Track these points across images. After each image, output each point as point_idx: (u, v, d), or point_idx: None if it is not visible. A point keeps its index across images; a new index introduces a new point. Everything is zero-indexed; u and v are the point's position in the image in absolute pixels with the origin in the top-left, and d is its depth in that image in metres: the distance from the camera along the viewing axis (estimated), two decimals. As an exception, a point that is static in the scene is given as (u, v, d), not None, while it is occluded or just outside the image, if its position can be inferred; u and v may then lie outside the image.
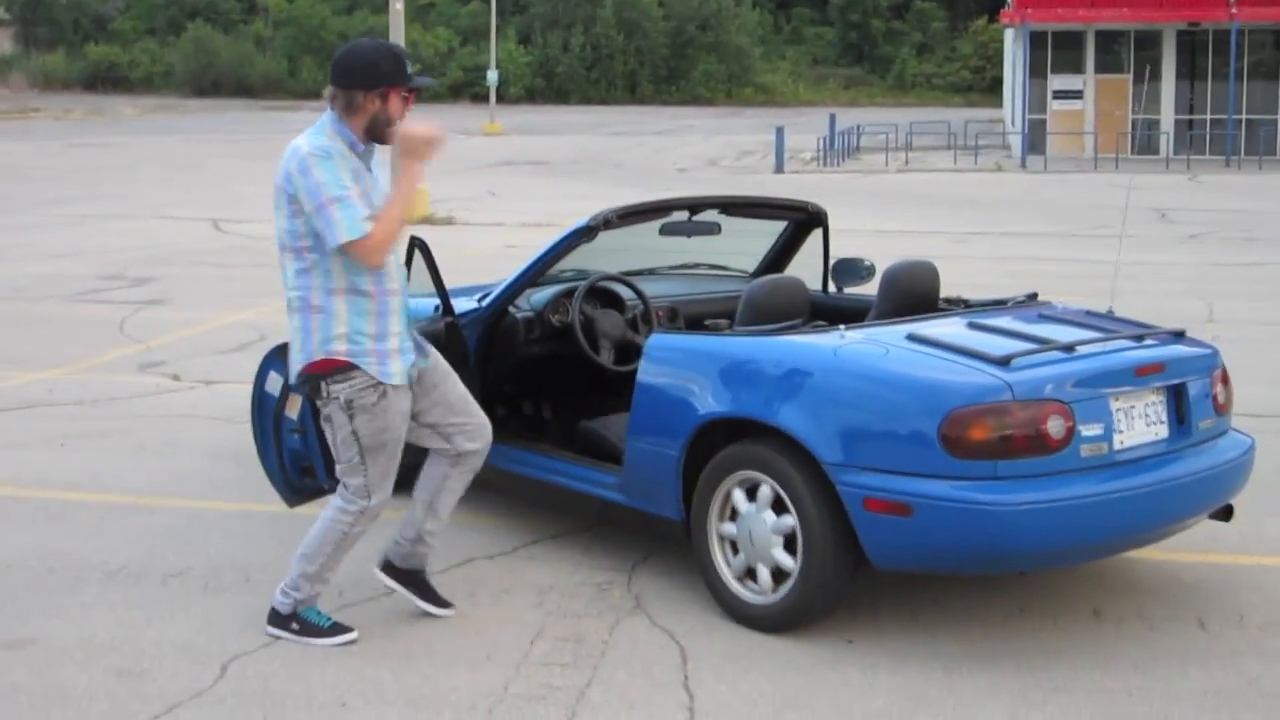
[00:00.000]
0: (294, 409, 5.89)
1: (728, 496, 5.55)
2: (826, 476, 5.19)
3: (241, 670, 5.11)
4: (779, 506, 5.37)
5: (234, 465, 7.84)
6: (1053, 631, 5.50)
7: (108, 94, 78.20)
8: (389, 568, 5.71)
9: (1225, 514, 5.84)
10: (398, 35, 24.08)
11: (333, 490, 5.58)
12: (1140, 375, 5.40)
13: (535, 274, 6.59)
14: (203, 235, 20.54)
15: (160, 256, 17.83)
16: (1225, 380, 5.84)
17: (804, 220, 7.44)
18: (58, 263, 17.24)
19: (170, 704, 4.83)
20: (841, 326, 5.71)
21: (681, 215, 6.89)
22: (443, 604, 5.66)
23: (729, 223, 7.17)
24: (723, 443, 5.60)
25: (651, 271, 7.45)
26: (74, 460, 8.05)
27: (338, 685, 4.97)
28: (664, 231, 6.86)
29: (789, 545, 5.35)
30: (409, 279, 5.75)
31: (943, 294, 6.52)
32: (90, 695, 4.90)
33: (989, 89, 77.12)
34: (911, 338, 5.47)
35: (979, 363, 5.19)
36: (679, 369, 5.80)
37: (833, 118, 43.73)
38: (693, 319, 7.00)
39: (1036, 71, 40.99)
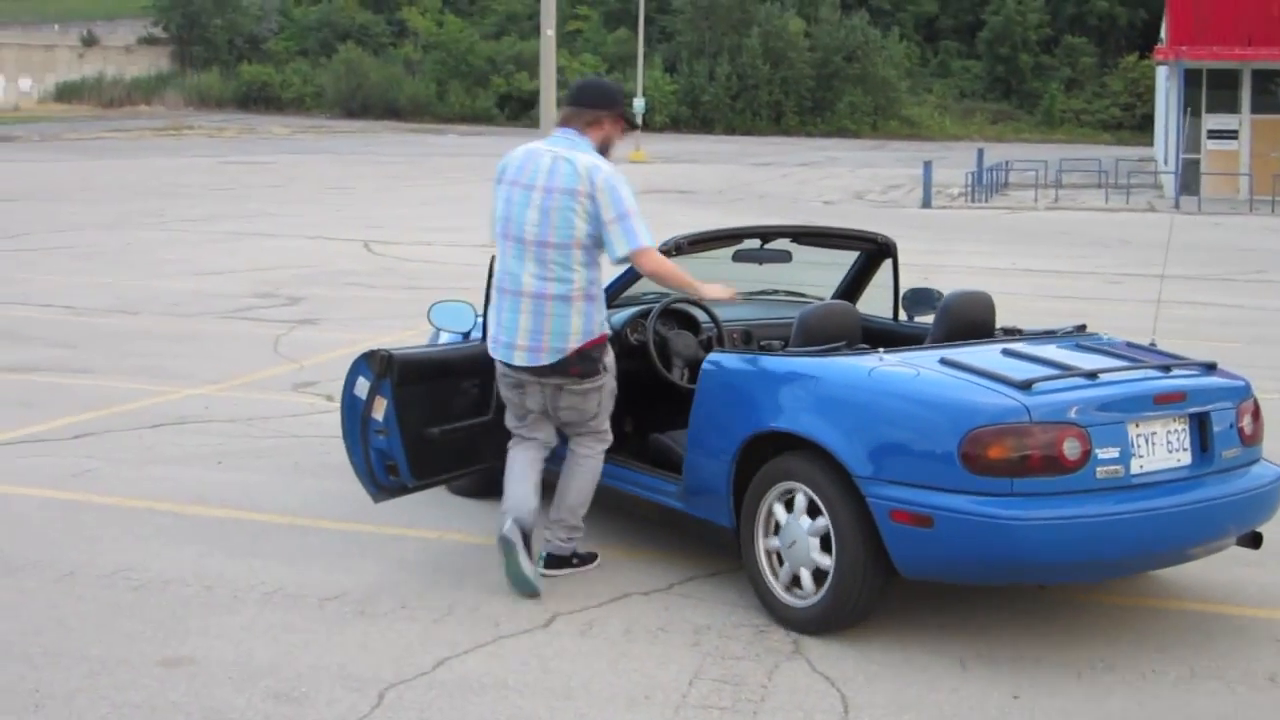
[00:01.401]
0: (379, 411, 6.34)
1: (770, 511, 5.94)
2: (857, 489, 5.56)
3: (399, 698, 5.08)
4: (814, 511, 5.75)
5: (388, 489, 7.86)
6: (1228, 698, 5.29)
7: (259, 113, 79.90)
8: (554, 561, 6.44)
9: (1254, 541, 6.04)
10: (548, 62, 24.24)
11: (416, 489, 6.55)
12: (1159, 403, 5.68)
13: (615, 295, 7.01)
14: (353, 256, 20.77)
15: (312, 276, 18.04)
16: (1255, 412, 6.07)
17: (874, 251, 7.73)
18: (211, 279, 17.52)
19: (328, 731, 4.80)
20: (881, 350, 6.06)
21: (754, 243, 7.24)
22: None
23: (810, 253, 7.58)
24: (769, 457, 5.97)
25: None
26: (230, 479, 8.13)
27: (494, 719, 4.91)
28: (736, 258, 7.14)
29: (824, 545, 5.72)
30: (489, 298, 6.49)
31: (1002, 323, 6.86)
32: (247, 719, 4.89)
33: (1139, 126, 76.01)
34: (944, 361, 5.81)
35: (1001, 386, 5.52)
36: (731, 385, 6.23)
37: (980, 153, 43.25)
38: (777, 340, 7.19)
39: (1191, 110, 40.19)
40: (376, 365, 6.33)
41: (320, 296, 16.22)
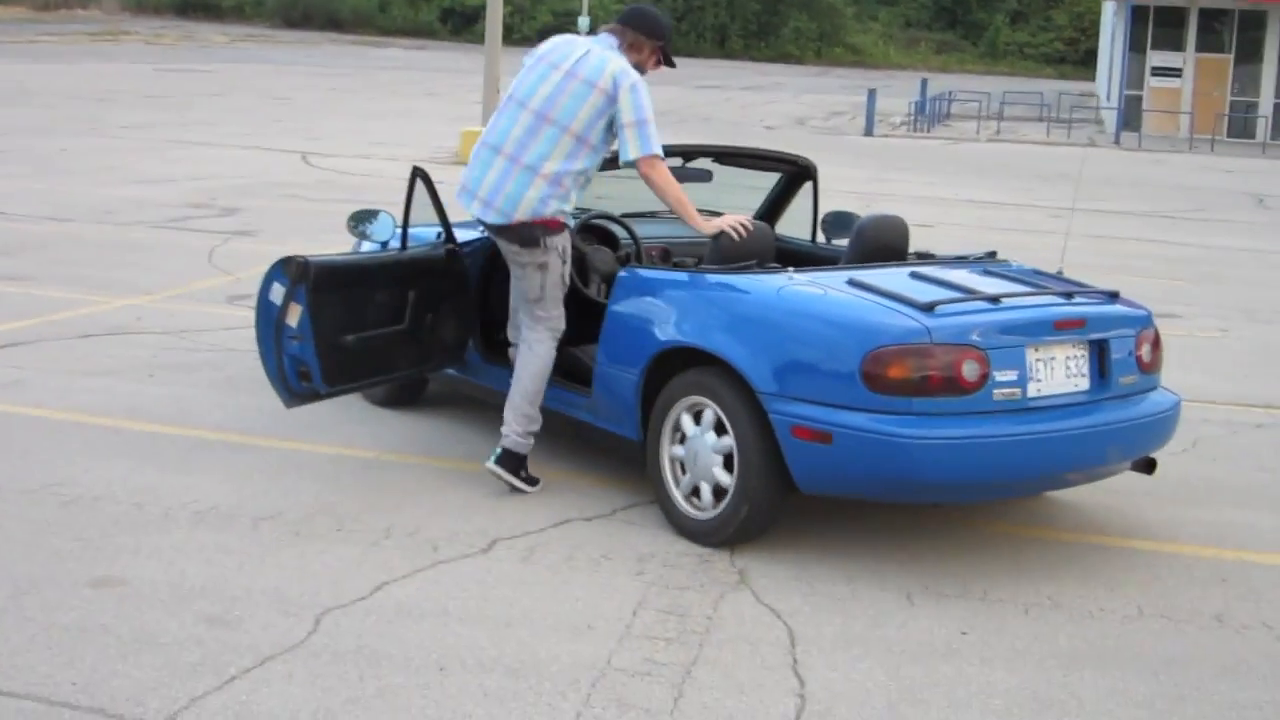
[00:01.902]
0: (294, 317, 6.28)
1: (678, 421, 6.00)
2: (761, 404, 5.61)
3: (335, 625, 4.93)
4: (720, 429, 5.80)
5: (326, 407, 7.66)
6: (1175, 636, 5.25)
7: (198, 20, 78.41)
8: (508, 457, 6.44)
9: (1148, 466, 6.15)
10: (495, -24, 23.78)
11: (328, 395, 6.50)
12: (1059, 329, 5.77)
13: None
14: (292, 168, 20.45)
15: (249, 187, 17.74)
16: (1155, 341, 6.19)
17: (795, 173, 7.86)
18: (147, 188, 17.18)
19: (262, 656, 4.65)
20: (791, 270, 6.14)
21: (675, 161, 7.13)
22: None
23: (735, 174, 7.71)
24: (678, 371, 6.04)
25: (652, 214, 7.76)
26: (163, 392, 7.94)
27: (434, 647, 4.79)
28: None
29: (728, 464, 5.78)
30: (410, 209, 6.89)
31: (916, 248, 6.96)
32: (180, 643, 4.74)
33: (1082, 61, 76.05)
34: (852, 282, 5.87)
35: (905, 307, 5.59)
36: (643, 301, 6.30)
37: (924, 83, 43.13)
38: (692, 258, 7.17)
39: (1136, 47, 40.23)
40: (292, 271, 6.27)
41: (257, 208, 15.95)
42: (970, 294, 5.81)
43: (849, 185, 21.90)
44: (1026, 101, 44.51)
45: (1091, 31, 75.61)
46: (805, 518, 6.22)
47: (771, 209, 8.02)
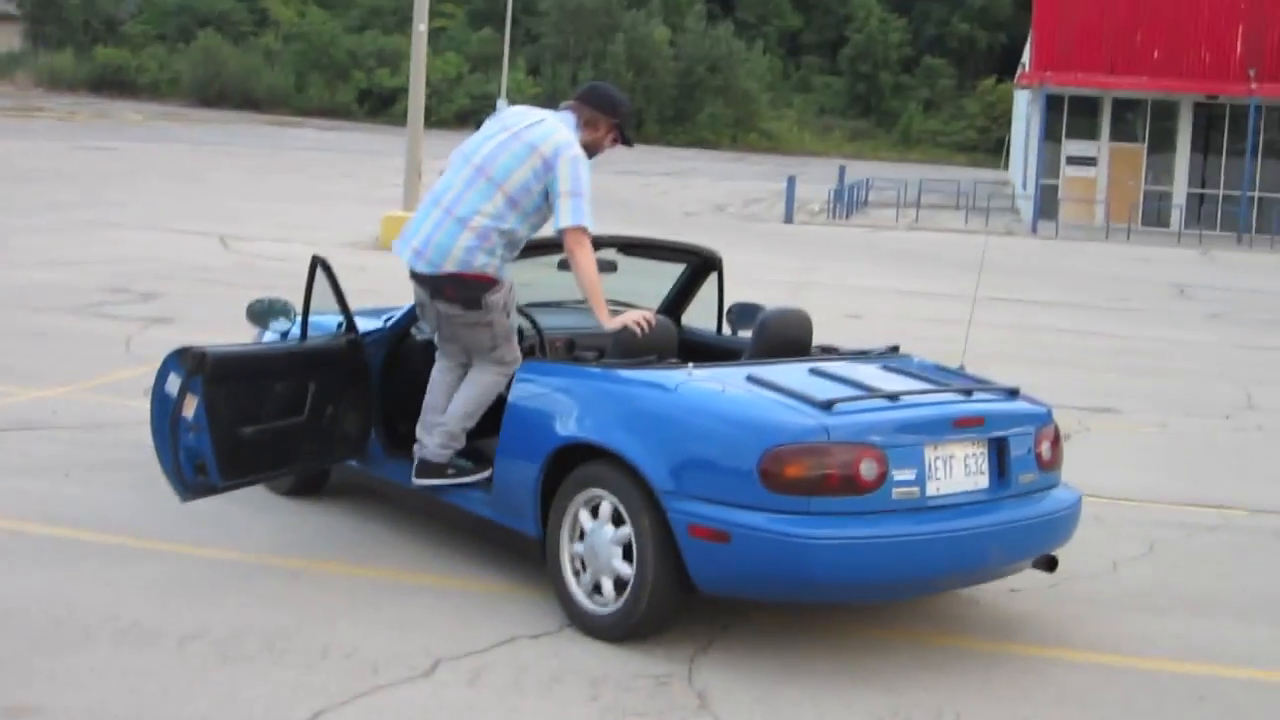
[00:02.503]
0: (190, 409, 6.16)
1: (576, 517, 5.90)
2: (659, 502, 5.55)
3: (270, 760, 4.59)
4: (618, 520, 5.73)
5: (251, 509, 7.36)
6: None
7: (113, 98, 77.71)
8: (426, 467, 6.55)
9: (1049, 564, 6.10)
10: (419, 57, 23.60)
11: (225, 489, 6.40)
12: (958, 427, 5.76)
13: (405, 328, 7.20)
14: (209, 251, 20.04)
15: (166, 271, 17.31)
16: (1054, 439, 6.20)
17: (700, 264, 7.87)
18: (62, 270, 16.72)
19: (192, 797, 4.30)
20: (690, 365, 6.09)
21: None
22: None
23: (642, 264, 7.67)
24: (578, 465, 5.95)
25: (559, 304, 7.79)
26: (80, 493, 7.54)
27: (378, 784, 4.45)
28: (562, 266, 6.97)
29: (627, 555, 5.70)
30: (310, 299, 6.81)
31: (820, 341, 6.96)
32: (101, 780, 4.38)
33: (993, 149, 77.06)
34: (751, 379, 5.85)
35: (803, 405, 5.57)
36: (542, 395, 6.25)
37: (842, 170, 43.47)
38: (594, 350, 7.13)
39: (1051, 136, 40.68)
40: (188, 362, 6.17)
41: (175, 293, 15.54)
42: (869, 392, 5.79)
43: (774, 275, 21.81)
44: (943, 190, 44.88)
45: (1003, 120, 76.68)
46: (767, 631, 5.95)
47: (677, 300, 8.01)
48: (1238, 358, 16.13)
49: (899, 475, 5.51)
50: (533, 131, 6.39)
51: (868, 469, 5.41)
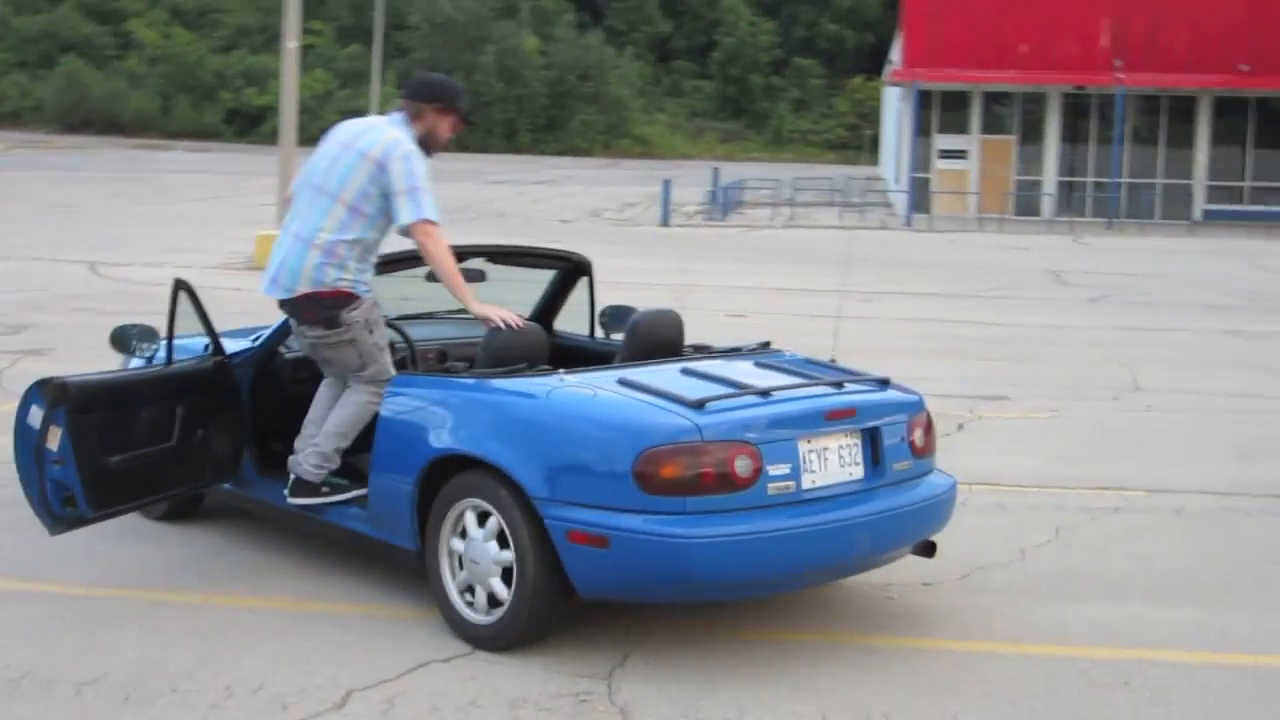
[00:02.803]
0: (54, 441, 6.02)
1: (460, 517, 5.83)
2: (535, 510, 5.49)
3: (178, 806, 4.37)
4: (503, 542, 5.65)
5: (137, 543, 7.10)
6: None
7: (-29, 127, 76.01)
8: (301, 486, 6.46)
9: (927, 550, 6.17)
10: (289, 74, 23.22)
11: (96, 519, 6.22)
12: (830, 419, 5.79)
13: (274, 345, 7.10)
14: (79, 279, 19.52)
15: (36, 301, 16.83)
16: (926, 426, 6.25)
17: (570, 269, 7.87)
18: (-74, 306, 16.20)
19: None
20: (561, 371, 6.09)
21: None
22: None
23: (511, 271, 7.68)
24: (453, 475, 5.88)
25: (430, 315, 7.80)
26: (-42, 536, 7.21)
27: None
28: (429, 278, 6.89)
29: (506, 577, 5.66)
30: (174, 321, 6.71)
31: (697, 341, 7.03)
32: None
33: (863, 146, 77.80)
34: (622, 382, 5.85)
35: (675, 405, 5.56)
36: (414, 408, 6.18)
37: (716, 171, 43.50)
38: (464, 361, 7.08)
39: (922, 130, 41.07)
40: (50, 393, 6.01)
41: (47, 324, 15.08)
42: (741, 389, 5.79)
43: (653, 278, 21.72)
44: (816, 187, 45.10)
45: (872, 117, 77.46)
46: (685, 639, 5.82)
47: (548, 306, 8.00)
48: (1120, 340, 16.31)
49: (774, 470, 5.52)
50: (363, 139, 6.34)
51: (742, 466, 5.42)
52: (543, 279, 7.97)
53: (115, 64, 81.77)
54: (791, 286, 21.34)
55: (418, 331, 7.22)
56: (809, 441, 5.68)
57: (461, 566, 5.82)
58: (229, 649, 5.68)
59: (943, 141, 41.42)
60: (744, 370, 6.21)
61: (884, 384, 6.29)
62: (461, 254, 7.06)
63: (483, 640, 5.71)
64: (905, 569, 6.80)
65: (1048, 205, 39.82)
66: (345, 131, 6.49)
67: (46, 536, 6.92)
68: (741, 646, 5.82)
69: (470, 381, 6.10)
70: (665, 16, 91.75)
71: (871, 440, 5.92)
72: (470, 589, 5.79)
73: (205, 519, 7.51)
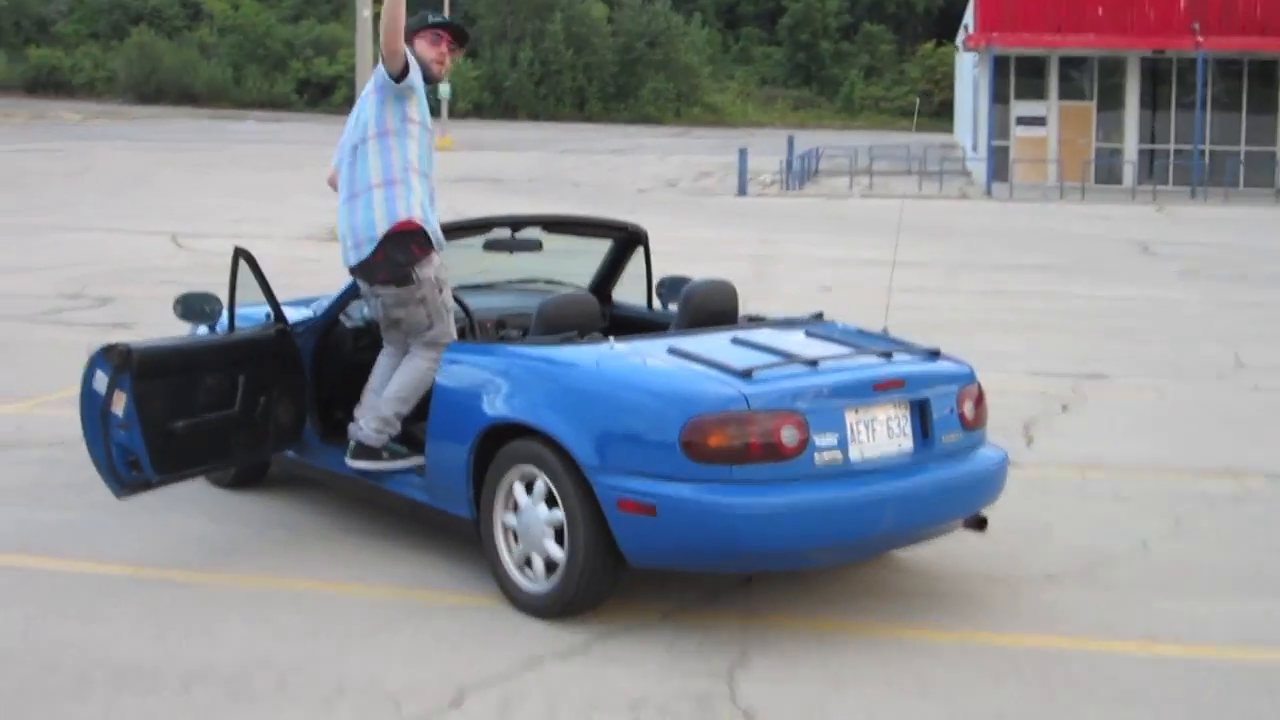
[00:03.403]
0: (119, 406, 6.14)
1: (510, 490, 5.86)
2: (586, 478, 5.50)
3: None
4: (551, 501, 5.68)
5: (241, 527, 6.99)
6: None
7: (49, 98, 76.64)
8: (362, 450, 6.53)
9: (979, 524, 6.13)
10: (363, 44, 23.13)
11: (160, 483, 6.34)
12: (878, 390, 5.73)
13: (340, 308, 7.16)
14: (162, 251, 19.54)
15: (120, 274, 16.83)
16: (977, 398, 6.16)
17: (626, 239, 7.86)
18: (13, 278, 16.23)
19: None
20: (612, 339, 6.10)
21: (504, 232, 7.28)
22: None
23: (575, 242, 7.81)
24: (507, 443, 5.90)
25: (490, 286, 7.92)
26: (55, 519, 7.12)
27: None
28: (487, 247, 7.20)
29: (559, 538, 5.67)
30: (235, 290, 6.81)
31: (750, 311, 7.05)
32: None
33: (936, 113, 77.10)
34: (672, 350, 5.85)
35: (722, 374, 5.55)
36: (469, 376, 6.22)
37: (791, 140, 43.10)
38: (521, 329, 7.19)
39: (999, 98, 40.48)
40: (115, 359, 6.15)
41: (132, 296, 15.05)
42: (788, 358, 5.77)
43: (735, 249, 21.51)
44: (892, 156, 44.65)
45: (945, 84, 76.70)
46: (803, 637, 5.62)
47: (605, 276, 8.01)
48: (1215, 314, 15.90)
49: (821, 440, 5.47)
50: (366, 89, 6.57)
51: (789, 435, 5.38)
52: (600, 249, 7.98)
53: (185, 34, 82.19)
54: (875, 258, 21.00)
55: (476, 301, 7.34)
56: (856, 412, 5.63)
57: (517, 540, 5.85)
58: (338, 642, 5.53)
59: (1020, 108, 40.80)
60: (794, 340, 6.18)
61: (934, 355, 6.23)
62: (517, 223, 7.30)
63: (538, 609, 5.73)
64: (1027, 560, 6.59)
65: (1129, 173, 39.11)
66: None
67: (150, 521, 6.87)
68: (865, 645, 5.61)
69: (521, 349, 6.16)
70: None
71: (920, 411, 5.86)
72: (528, 560, 5.80)
73: (300, 505, 7.39)
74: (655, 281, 7.88)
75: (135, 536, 6.83)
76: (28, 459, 8.25)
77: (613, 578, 5.66)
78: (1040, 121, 40.84)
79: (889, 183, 39.76)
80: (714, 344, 6.00)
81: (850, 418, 5.59)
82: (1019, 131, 40.75)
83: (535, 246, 7.42)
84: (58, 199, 27.32)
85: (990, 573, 6.43)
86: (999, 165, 38.92)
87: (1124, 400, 10.78)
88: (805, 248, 22.35)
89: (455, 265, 7.00)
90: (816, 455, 5.45)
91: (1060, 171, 38.23)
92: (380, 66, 6.40)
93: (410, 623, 5.75)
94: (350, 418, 6.76)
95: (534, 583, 5.77)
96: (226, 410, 6.60)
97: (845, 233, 25.24)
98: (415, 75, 6.44)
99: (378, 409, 6.54)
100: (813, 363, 5.75)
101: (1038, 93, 40.97)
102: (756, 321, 6.84)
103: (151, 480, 6.31)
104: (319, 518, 7.20)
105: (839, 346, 6.14)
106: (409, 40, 6.48)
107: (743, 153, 36.80)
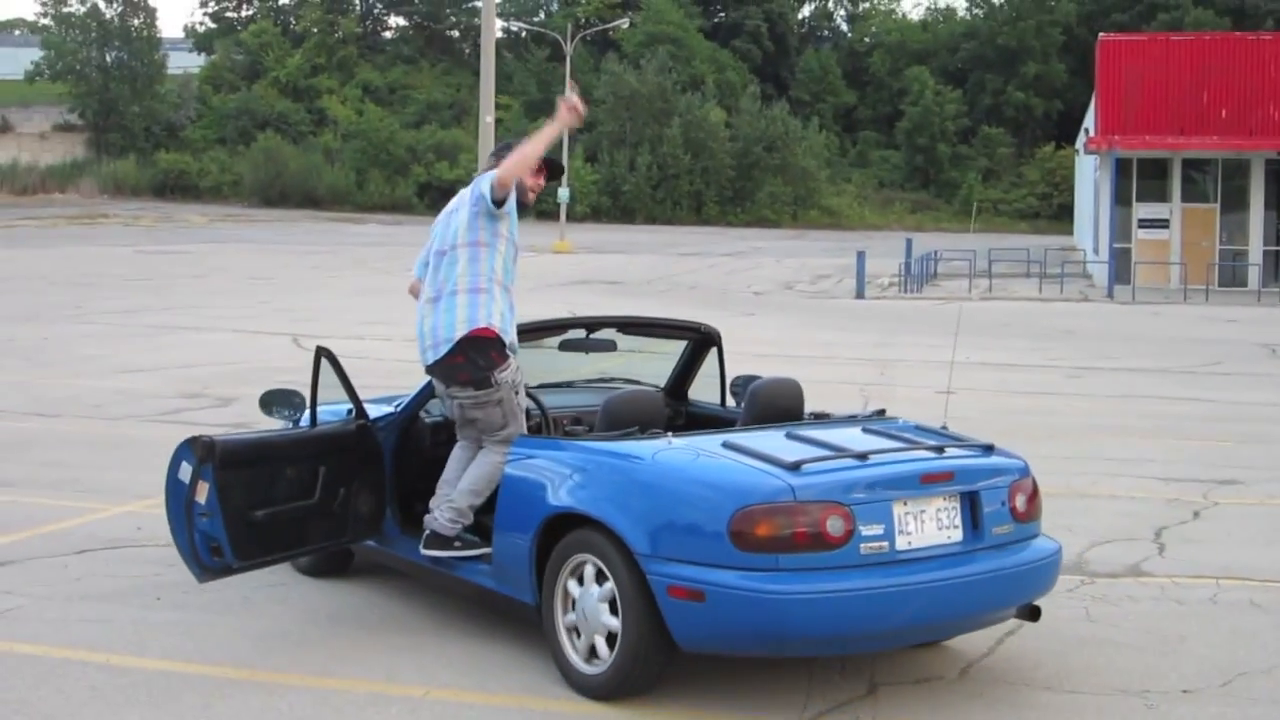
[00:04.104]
0: (202, 495, 6.44)
1: (566, 590, 6.12)
2: (638, 565, 5.73)
3: None
4: (601, 578, 5.94)
5: (358, 629, 6.93)
6: None
7: (176, 201, 78.48)
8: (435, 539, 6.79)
9: (1032, 614, 6.18)
10: (485, 148, 23.41)
11: (241, 569, 6.62)
12: (926, 482, 5.90)
13: (419, 405, 7.44)
14: (283, 351, 19.73)
15: (242, 373, 17.00)
16: (1031, 493, 6.28)
17: (699, 340, 8.13)
18: (135, 377, 16.47)
19: None
20: (669, 434, 6.38)
21: (579, 333, 7.67)
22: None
23: (656, 344, 8.17)
24: (568, 533, 6.13)
25: (569, 384, 8.28)
26: (171, 619, 7.12)
27: None
28: (563, 347, 7.58)
29: (614, 609, 5.90)
30: (317, 387, 7.06)
31: (815, 408, 7.28)
32: None
33: (1055, 216, 76.59)
34: (726, 444, 6.07)
35: (771, 467, 5.75)
36: (533, 468, 6.51)
37: (909, 242, 42.93)
38: (583, 426, 7.43)
39: (1121, 200, 40.06)
40: (199, 450, 6.45)
41: (252, 395, 14.85)
42: (839, 452, 5.95)
43: (854, 351, 21.33)
44: (1011, 259, 44.28)
45: (1064, 186, 76.16)
46: None
47: (681, 375, 8.26)
48: (1351, 422, 15.43)
49: (866, 531, 5.64)
50: (457, 200, 6.94)
51: (834, 525, 5.57)
52: (675, 350, 8.26)
53: (310, 139, 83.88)
54: (996, 361, 20.75)
55: (554, 399, 7.65)
56: (905, 504, 5.80)
57: (579, 634, 6.07)
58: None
59: (1143, 210, 40.30)
60: (849, 436, 6.40)
61: (988, 449, 6.39)
62: (592, 325, 7.70)
63: (599, 690, 5.93)
64: (1162, 672, 6.35)
65: (1254, 276, 38.45)
66: (446, 209, 7.01)
67: (267, 624, 6.86)
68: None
69: (583, 443, 6.45)
70: (849, 87, 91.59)
71: (971, 504, 6.01)
72: (593, 650, 6.02)
73: (417, 606, 7.32)
74: (730, 380, 8.06)
75: (251, 638, 6.80)
76: (145, 558, 8.27)
77: (665, 661, 5.87)
78: (1163, 224, 40.31)
79: (1008, 285, 39.39)
80: (769, 439, 6.21)
81: (898, 509, 5.78)
82: (1141, 234, 40.23)
83: (610, 347, 7.77)
84: (183, 299, 27.81)
85: (1126, 687, 6.20)
86: (1121, 268, 38.41)
87: (1259, 507, 10.45)
88: (925, 350, 22.10)
89: (545, 365, 7.35)
90: (862, 545, 5.63)
91: (1184, 274, 37.66)
92: (485, 187, 6.68)
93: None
94: (428, 510, 6.96)
95: (595, 668, 5.99)
96: (306, 500, 6.85)
97: (964, 335, 24.95)
98: (512, 201, 6.77)
99: (453, 501, 6.76)
100: (862, 456, 5.93)
101: (1160, 195, 40.48)
102: (821, 418, 7.08)
103: (233, 565, 6.56)
104: (435, 619, 7.14)
105: (892, 441, 6.32)
106: (497, 156, 6.88)
107: (861, 255, 36.66)
